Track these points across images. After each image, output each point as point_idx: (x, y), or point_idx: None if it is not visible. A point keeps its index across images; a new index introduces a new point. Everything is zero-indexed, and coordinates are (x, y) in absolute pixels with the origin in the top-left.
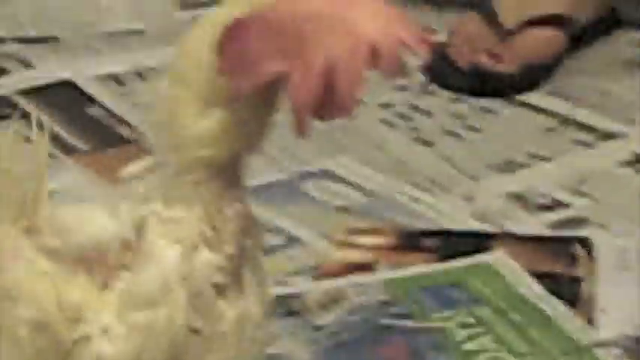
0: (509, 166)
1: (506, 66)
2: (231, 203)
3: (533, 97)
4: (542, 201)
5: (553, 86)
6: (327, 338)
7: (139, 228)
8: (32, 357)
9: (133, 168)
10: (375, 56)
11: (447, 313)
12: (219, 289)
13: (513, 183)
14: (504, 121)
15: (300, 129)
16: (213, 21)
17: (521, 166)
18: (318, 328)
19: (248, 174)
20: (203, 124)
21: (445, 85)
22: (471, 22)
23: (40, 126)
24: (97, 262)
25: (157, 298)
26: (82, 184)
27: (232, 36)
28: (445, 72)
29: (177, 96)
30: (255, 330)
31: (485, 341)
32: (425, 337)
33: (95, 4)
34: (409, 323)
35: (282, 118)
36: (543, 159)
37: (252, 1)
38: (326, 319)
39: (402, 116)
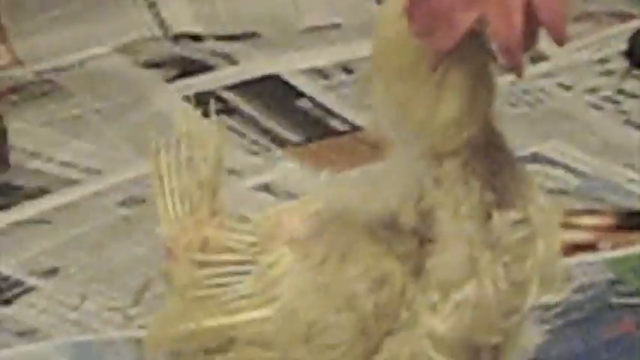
0: None
1: None
2: (501, 161)
3: None
4: None
5: None
6: (556, 317)
7: (423, 215)
8: (369, 315)
9: None
10: None
11: None
12: (520, 240)
13: None
14: None
15: (517, 67)
16: None
17: None
18: (547, 308)
19: None
20: (443, 114)
21: None
22: None
23: (247, 119)
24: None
25: (471, 271)
26: (294, 175)
27: None
28: None
29: (402, 89)
30: (553, 269)
31: None
32: None
33: (293, 1)
34: (637, 301)
35: None
36: None
37: None
38: (554, 298)
39: (609, 100)
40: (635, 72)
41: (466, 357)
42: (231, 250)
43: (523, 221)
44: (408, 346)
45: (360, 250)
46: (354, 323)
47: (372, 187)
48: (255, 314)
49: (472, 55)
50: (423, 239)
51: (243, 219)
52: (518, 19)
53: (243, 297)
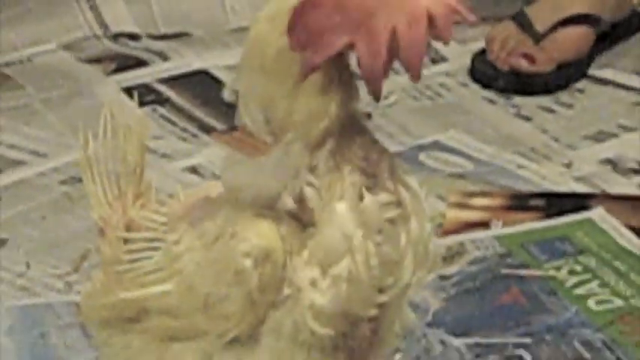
0: (601, 137)
1: (542, 66)
2: (369, 149)
3: (619, 76)
4: (631, 165)
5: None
6: (452, 287)
7: (300, 199)
8: (255, 288)
9: None
10: (431, 24)
11: (556, 263)
12: (392, 221)
13: (605, 151)
14: (592, 98)
15: (376, 94)
16: (279, 4)
17: (612, 135)
18: (444, 278)
19: None
20: (300, 109)
21: (488, 86)
22: (506, 29)
23: (178, 109)
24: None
25: (345, 248)
26: (219, 159)
27: (301, 14)
28: (487, 74)
29: (264, 89)
30: (427, 248)
31: (593, 286)
32: (539, 283)
33: (221, 5)
34: (524, 272)
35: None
36: (631, 130)
37: None
38: (450, 270)
39: (502, 95)
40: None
41: (344, 328)
42: (147, 229)
43: (395, 203)
44: (290, 317)
45: (247, 230)
46: (242, 296)
47: (260, 172)
48: (161, 287)
49: (332, 62)
50: (304, 221)
51: (161, 202)
52: (383, 51)
53: (152, 272)
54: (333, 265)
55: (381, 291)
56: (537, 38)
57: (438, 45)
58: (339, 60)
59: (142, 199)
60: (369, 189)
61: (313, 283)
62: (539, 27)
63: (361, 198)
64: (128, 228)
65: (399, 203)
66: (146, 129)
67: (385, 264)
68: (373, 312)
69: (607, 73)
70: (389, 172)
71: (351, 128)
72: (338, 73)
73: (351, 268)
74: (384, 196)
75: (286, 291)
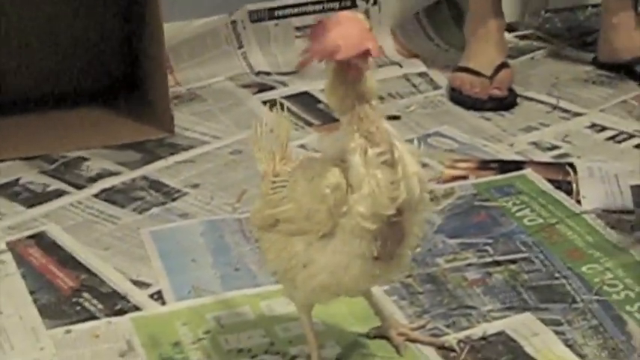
0: (529, 129)
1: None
2: (370, 119)
3: (532, 94)
4: (546, 145)
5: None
6: (448, 211)
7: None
8: (332, 205)
9: None
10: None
11: (505, 198)
12: (387, 162)
13: (531, 137)
14: (522, 108)
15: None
16: None
17: (535, 129)
18: (443, 207)
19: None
20: (330, 97)
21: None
22: (460, 77)
23: (292, 112)
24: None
25: (361, 178)
26: (316, 139)
27: (311, 31)
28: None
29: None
30: (420, 183)
31: (527, 212)
32: (496, 210)
33: None
34: (487, 204)
35: (414, 108)
36: (547, 125)
37: None
38: (446, 202)
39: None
40: None
41: (378, 224)
42: (282, 176)
43: (387, 153)
44: (350, 220)
45: (327, 172)
46: (326, 209)
47: (334, 141)
48: (286, 207)
49: (339, 70)
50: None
51: (291, 161)
52: (324, 53)
53: (282, 198)
54: (359, 188)
55: (392, 201)
56: (487, 79)
57: (435, 77)
58: (341, 68)
59: (284, 160)
60: (371, 143)
61: (357, 201)
62: (486, 72)
63: (366, 152)
64: (276, 175)
65: (391, 154)
66: (289, 122)
67: (388, 186)
68: (392, 211)
69: (529, 93)
70: (383, 136)
71: (361, 109)
72: (344, 76)
73: (369, 188)
74: (377, 150)
75: (346, 207)
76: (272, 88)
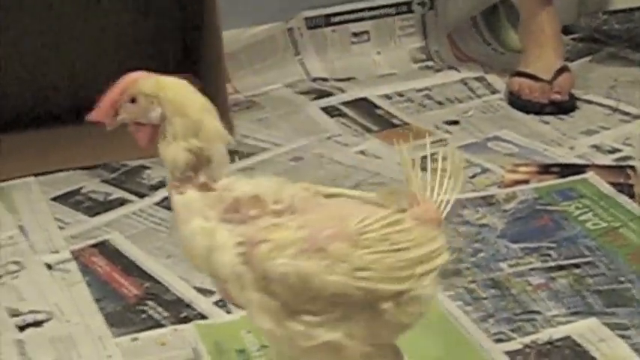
0: (589, 132)
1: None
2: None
3: (594, 97)
4: (607, 149)
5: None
6: (510, 216)
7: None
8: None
9: None
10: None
11: (567, 202)
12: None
13: (592, 140)
14: (582, 111)
15: (93, 117)
16: None
17: (595, 132)
18: (505, 211)
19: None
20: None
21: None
22: (519, 82)
23: (351, 119)
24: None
25: None
26: (376, 147)
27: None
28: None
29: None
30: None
31: (590, 215)
32: (559, 214)
33: (372, 62)
34: (550, 208)
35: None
36: (607, 129)
37: None
38: (508, 206)
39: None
40: None
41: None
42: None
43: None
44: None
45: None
46: None
47: None
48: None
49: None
50: None
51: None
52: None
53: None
54: None
55: None
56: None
57: (492, 81)
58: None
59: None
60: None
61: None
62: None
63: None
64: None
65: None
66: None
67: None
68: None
69: (588, 96)
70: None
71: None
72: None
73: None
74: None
75: None
76: (329, 94)
